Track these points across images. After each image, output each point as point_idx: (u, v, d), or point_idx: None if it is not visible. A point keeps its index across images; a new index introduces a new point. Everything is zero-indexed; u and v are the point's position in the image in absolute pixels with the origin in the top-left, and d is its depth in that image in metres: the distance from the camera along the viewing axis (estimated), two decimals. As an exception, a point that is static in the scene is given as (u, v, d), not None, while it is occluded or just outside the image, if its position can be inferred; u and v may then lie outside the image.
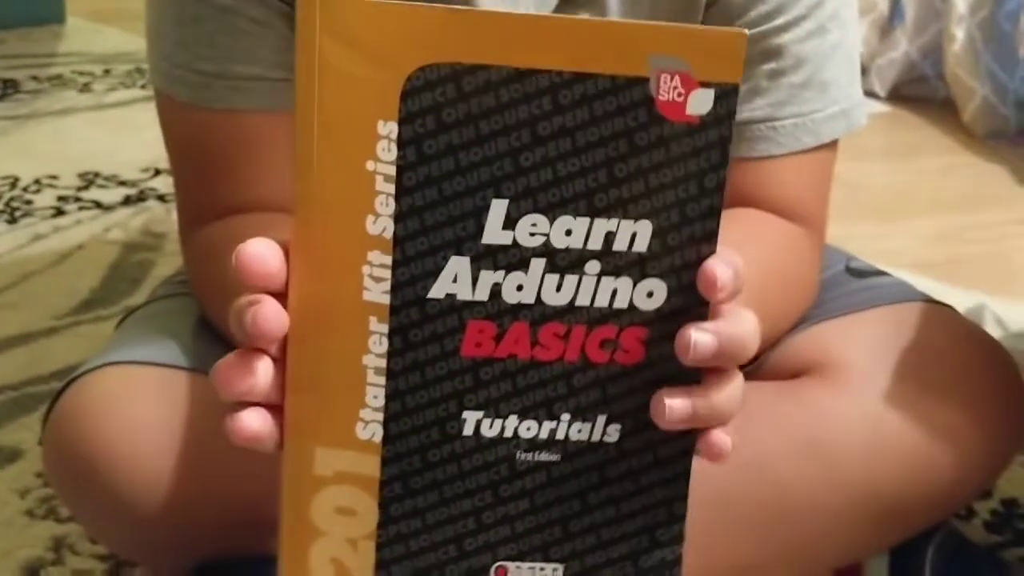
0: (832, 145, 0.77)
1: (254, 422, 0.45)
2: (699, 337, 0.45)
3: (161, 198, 1.53)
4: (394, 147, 0.43)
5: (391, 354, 0.45)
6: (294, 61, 0.43)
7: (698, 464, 0.47)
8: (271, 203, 0.70)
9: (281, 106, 0.71)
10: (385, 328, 0.45)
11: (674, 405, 0.45)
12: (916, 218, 1.55)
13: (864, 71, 1.98)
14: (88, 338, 1.13)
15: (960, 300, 1.08)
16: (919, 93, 2.02)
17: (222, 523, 0.68)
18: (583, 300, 0.45)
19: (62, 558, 0.82)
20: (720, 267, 0.45)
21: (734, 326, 0.46)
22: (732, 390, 0.47)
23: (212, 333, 0.72)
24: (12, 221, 1.46)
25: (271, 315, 0.43)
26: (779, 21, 0.73)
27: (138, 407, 0.68)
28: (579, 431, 0.47)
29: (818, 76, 0.74)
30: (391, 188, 0.44)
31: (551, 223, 0.44)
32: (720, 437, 0.46)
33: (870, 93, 1.98)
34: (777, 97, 0.74)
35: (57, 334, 1.16)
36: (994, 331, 1.09)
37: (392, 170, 0.43)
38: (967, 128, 1.87)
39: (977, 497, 0.83)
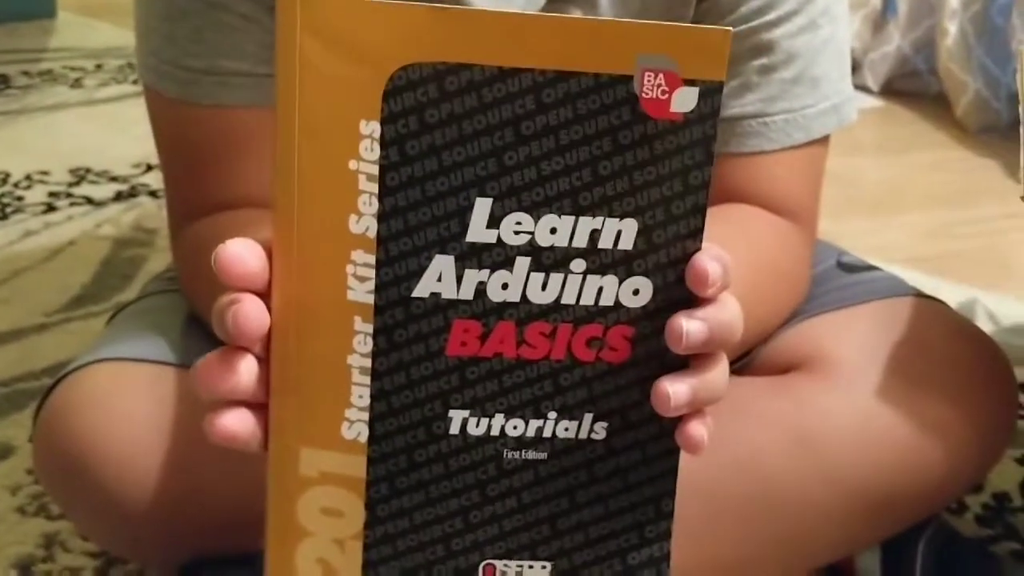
0: (823, 141, 0.77)
1: (234, 422, 0.44)
2: (690, 325, 0.45)
3: (152, 194, 1.53)
4: (377, 147, 0.43)
5: (376, 354, 0.45)
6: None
7: (688, 459, 0.47)
8: (260, 199, 0.70)
9: (269, 101, 0.70)
10: (370, 328, 0.45)
11: (678, 391, 0.45)
12: (908, 213, 1.55)
13: (857, 66, 1.98)
14: (79, 334, 1.13)
15: (952, 295, 1.08)
16: (912, 88, 2.02)
17: (211, 520, 0.67)
18: (568, 298, 0.45)
19: (53, 555, 0.81)
20: (710, 263, 0.45)
21: (721, 312, 0.46)
22: (721, 371, 0.47)
23: (202, 329, 0.72)
24: (3, 217, 1.45)
25: (252, 314, 0.43)
26: (770, 16, 0.73)
27: (128, 403, 0.68)
28: (566, 429, 0.46)
29: (809, 72, 0.74)
30: (374, 187, 0.43)
31: (536, 222, 0.44)
32: (697, 428, 0.46)
33: (863, 88, 1.98)
34: (768, 92, 0.74)
35: (48, 330, 1.15)
36: (986, 325, 1.09)
37: (375, 169, 0.43)
38: (960, 122, 1.87)
39: (968, 491, 0.83)
